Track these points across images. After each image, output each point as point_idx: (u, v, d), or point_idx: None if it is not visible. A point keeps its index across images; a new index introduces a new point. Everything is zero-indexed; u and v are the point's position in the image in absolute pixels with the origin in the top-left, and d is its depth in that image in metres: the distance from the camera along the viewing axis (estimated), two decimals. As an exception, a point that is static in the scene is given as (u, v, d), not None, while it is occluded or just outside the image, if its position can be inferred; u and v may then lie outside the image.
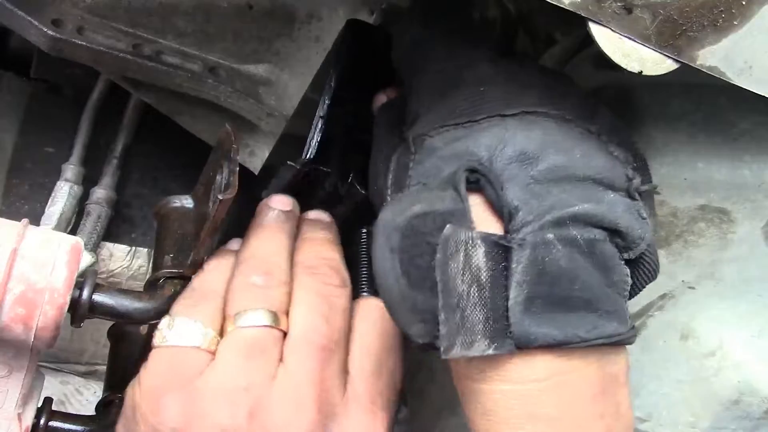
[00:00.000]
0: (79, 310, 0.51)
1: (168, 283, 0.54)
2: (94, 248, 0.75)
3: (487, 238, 0.43)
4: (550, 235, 0.43)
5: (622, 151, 0.47)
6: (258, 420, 0.47)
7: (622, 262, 0.46)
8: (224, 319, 0.51)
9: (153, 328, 0.53)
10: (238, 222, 0.60)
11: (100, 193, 0.76)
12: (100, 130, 0.78)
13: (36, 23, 0.57)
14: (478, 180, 0.45)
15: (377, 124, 0.59)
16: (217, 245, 0.59)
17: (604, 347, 0.44)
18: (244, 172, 0.69)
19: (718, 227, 0.59)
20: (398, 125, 0.55)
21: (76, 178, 0.76)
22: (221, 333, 0.50)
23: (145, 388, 0.49)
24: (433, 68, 0.53)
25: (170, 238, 0.58)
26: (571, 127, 0.47)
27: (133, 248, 0.77)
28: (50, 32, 0.57)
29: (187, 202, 0.59)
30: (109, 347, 0.65)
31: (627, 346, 0.47)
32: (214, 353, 0.49)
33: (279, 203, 0.58)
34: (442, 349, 0.43)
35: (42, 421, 0.55)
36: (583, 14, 0.42)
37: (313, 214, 0.60)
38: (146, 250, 0.78)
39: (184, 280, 0.55)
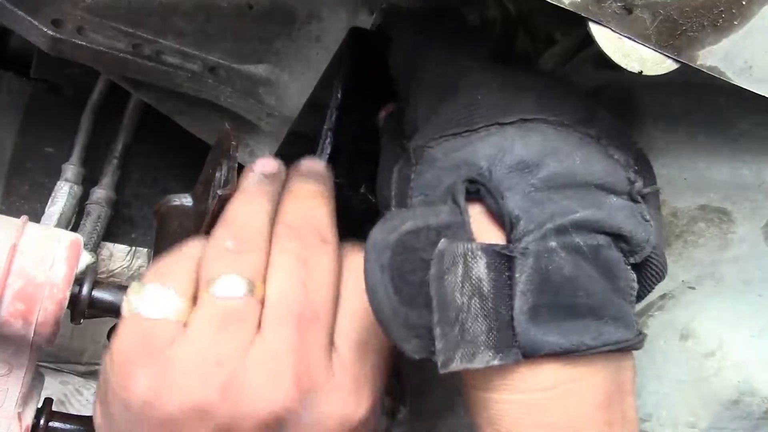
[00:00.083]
0: (78, 306, 0.51)
1: None
2: (94, 248, 0.75)
3: (488, 248, 0.43)
4: (553, 243, 0.43)
5: (623, 154, 0.47)
6: (231, 394, 0.45)
7: (628, 267, 0.45)
8: (197, 285, 0.48)
9: None
10: None
11: (100, 193, 0.76)
12: (100, 130, 0.78)
13: (36, 23, 0.57)
14: (478, 190, 0.45)
15: (382, 135, 0.59)
16: None
17: (610, 354, 0.44)
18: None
19: (718, 227, 0.59)
20: (400, 135, 0.54)
21: (76, 178, 0.76)
22: (195, 300, 0.47)
23: (115, 360, 0.46)
24: (430, 77, 0.52)
25: (170, 236, 0.58)
26: (569, 132, 0.46)
27: (133, 248, 0.77)
28: (50, 32, 0.57)
29: (186, 200, 0.59)
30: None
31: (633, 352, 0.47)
32: (186, 323, 0.46)
33: (261, 166, 0.54)
34: (439, 363, 0.42)
35: (42, 422, 0.54)
36: (583, 14, 0.42)
37: (306, 165, 0.56)
38: (146, 250, 0.78)
39: None
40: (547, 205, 0.44)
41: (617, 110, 0.51)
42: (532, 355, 0.43)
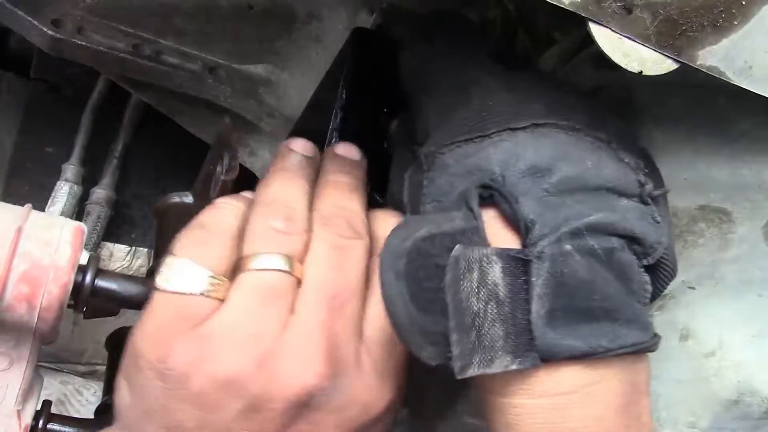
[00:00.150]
0: (82, 295, 0.51)
1: None
2: (94, 248, 0.75)
3: (503, 253, 0.43)
4: (568, 247, 0.43)
5: (633, 157, 0.47)
6: (266, 368, 0.46)
7: (642, 270, 0.45)
8: (236, 260, 0.48)
9: None
10: None
11: (100, 193, 0.76)
12: (100, 130, 0.78)
13: (36, 23, 0.57)
14: (491, 195, 0.45)
15: (394, 143, 0.59)
16: None
17: (627, 357, 0.44)
18: (245, 173, 0.69)
19: (718, 227, 0.59)
20: (411, 142, 0.54)
21: (76, 178, 0.76)
22: (229, 275, 0.48)
23: (149, 334, 0.47)
24: (440, 85, 0.52)
25: (170, 233, 0.58)
26: (580, 136, 0.46)
27: (133, 248, 0.77)
28: (50, 32, 0.57)
29: (186, 198, 0.59)
30: (108, 356, 0.66)
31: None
32: (220, 300, 0.47)
33: (302, 148, 0.55)
34: (456, 369, 0.42)
35: (41, 424, 0.54)
36: (583, 14, 0.42)
37: (341, 149, 0.57)
38: (146, 250, 0.78)
39: None
40: (561, 209, 0.44)
41: (617, 110, 0.51)
42: (550, 359, 0.43)
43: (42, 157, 0.77)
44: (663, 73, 0.43)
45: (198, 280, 0.47)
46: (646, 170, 0.48)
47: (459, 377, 0.42)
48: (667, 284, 0.48)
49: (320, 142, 0.60)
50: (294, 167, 0.54)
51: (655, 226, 0.46)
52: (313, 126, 0.63)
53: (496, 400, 0.45)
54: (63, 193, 0.74)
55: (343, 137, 0.61)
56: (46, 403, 0.56)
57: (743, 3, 0.42)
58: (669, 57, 0.43)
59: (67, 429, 0.56)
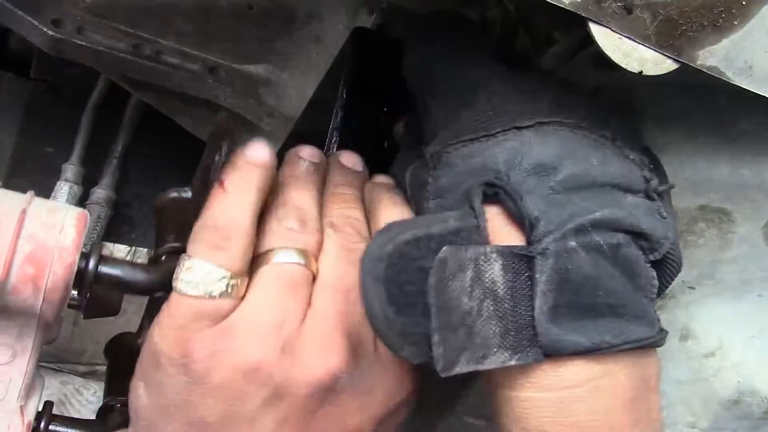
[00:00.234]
0: (85, 280, 0.51)
1: (171, 258, 0.54)
2: (94, 248, 0.75)
3: (504, 251, 0.43)
4: (573, 243, 0.43)
5: (637, 153, 0.48)
6: (288, 355, 0.47)
7: (648, 265, 0.46)
8: (253, 257, 0.49)
9: None
10: None
11: (100, 193, 0.76)
12: (100, 130, 0.78)
13: (36, 23, 0.57)
14: (496, 193, 0.45)
15: (401, 144, 0.60)
16: None
17: (634, 352, 0.44)
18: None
19: (718, 227, 0.59)
20: (417, 142, 0.55)
21: (76, 178, 0.76)
22: (246, 272, 0.49)
23: (169, 333, 0.47)
24: (445, 86, 0.53)
25: (170, 226, 0.58)
26: (585, 134, 0.47)
27: (133, 248, 0.77)
28: (50, 32, 0.57)
29: (185, 193, 0.59)
30: (108, 361, 0.66)
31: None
32: (239, 298, 0.48)
33: (309, 155, 0.57)
34: (439, 368, 0.43)
35: (42, 425, 0.54)
36: (583, 14, 0.42)
37: (346, 160, 0.59)
38: (146, 250, 0.78)
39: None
40: (567, 207, 0.44)
41: (617, 110, 0.51)
42: (554, 354, 0.43)
43: (42, 157, 0.77)
44: (663, 73, 0.43)
45: (217, 283, 0.47)
46: (651, 166, 0.48)
47: (443, 375, 0.43)
48: (673, 279, 0.48)
49: (321, 141, 0.60)
50: (303, 174, 0.55)
51: (662, 222, 0.46)
52: (313, 126, 0.63)
53: (505, 393, 0.45)
54: (63, 193, 0.74)
55: (343, 136, 0.61)
56: (48, 404, 0.56)
57: (743, 3, 0.42)
58: (669, 57, 0.43)
59: (69, 430, 0.56)
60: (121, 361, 0.61)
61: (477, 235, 0.44)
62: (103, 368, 0.69)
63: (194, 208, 0.58)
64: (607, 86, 0.56)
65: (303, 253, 0.50)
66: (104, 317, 0.61)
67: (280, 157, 0.64)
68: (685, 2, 0.41)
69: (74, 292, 0.52)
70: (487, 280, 0.43)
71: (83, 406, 0.90)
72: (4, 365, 0.52)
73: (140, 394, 0.50)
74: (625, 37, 0.42)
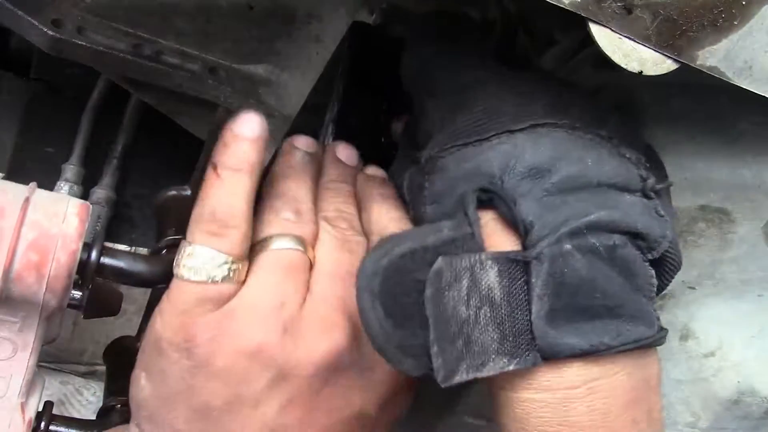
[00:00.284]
0: (87, 271, 0.51)
1: (172, 251, 0.54)
2: (94, 248, 0.75)
3: (499, 257, 0.44)
4: (568, 246, 0.43)
5: (635, 152, 0.48)
6: (291, 336, 0.48)
7: (647, 263, 0.46)
8: (252, 244, 0.51)
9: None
10: None
11: (100, 193, 0.76)
12: (100, 130, 0.78)
13: (36, 23, 0.57)
14: (491, 198, 0.45)
15: (400, 144, 0.60)
16: None
17: (633, 352, 0.45)
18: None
19: (718, 227, 0.59)
20: (413, 144, 0.56)
21: (76, 178, 0.76)
22: (245, 258, 0.50)
23: (172, 319, 0.48)
24: (441, 89, 0.53)
25: (170, 222, 0.58)
26: (580, 134, 0.47)
27: (133, 248, 0.77)
28: (50, 32, 0.57)
29: (184, 191, 0.60)
30: (107, 364, 0.66)
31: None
32: (240, 282, 0.49)
33: (304, 145, 0.58)
34: (439, 378, 0.43)
35: (42, 425, 0.54)
36: (583, 14, 0.42)
37: (342, 153, 0.60)
38: (146, 250, 0.78)
39: None
40: (562, 209, 0.44)
41: (616, 108, 0.51)
42: (552, 357, 0.43)
43: (42, 157, 0.77)
44: (663, 73, 0.44)
45: (219, 268, 0.48)
46: (648, 165, 0.48)
47: (444, 385, 0.43)
48: (673, 277, 0.48)
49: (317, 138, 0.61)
50: (298, 164, 0.56)
51: (659, 220, 0.46)
52: (309, 125, 0.63)
53: (504, 395, 0.46)
54: (63, 193, 0.74)
55: (340, 131, 0.62)
56: (48, 404, 0.56)
57: (743, 3, 0.42)
58: (669, 57, 0.43)
59: (69, 430, 0.56)
60: (120, 363, 0.61)
61: (472, 242, 0.44)
62: (103, 368, 0.69)
63: (194, 206, 0.58)
64: (607, 86, 0.56)
65: (300, 240, 0.51)
66: (104, 317, 0.61)
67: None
68: (685, 2, 0.41)
69: (75, 293, 0.53)
70: (483, 288, 0.43)
71: (83, 406, 0.90)
72: (5, 361, 0.52)
73: (142, 384, 0.50)
74: (625, 37, 0.42)
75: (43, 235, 0.49)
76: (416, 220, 0.52)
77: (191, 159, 0.66)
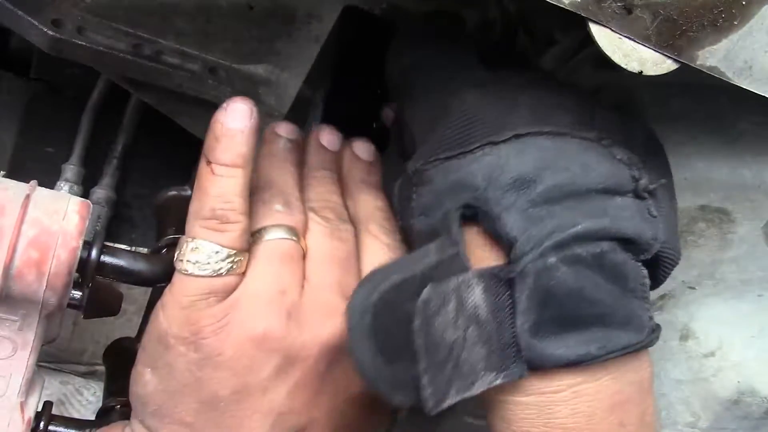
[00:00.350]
0: (88, 269, 0.51)
1: (172, 250, 0.55)
2: (94, 248, 0.75)
3: (484, 273, 0.44)
4: (553, 259, 0.43)
5: (627, 151, 0.47)
6: (294, 320, 0.49)
7: (638, 264, 0.45)
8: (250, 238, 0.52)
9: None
10: None
11: (100, 193, 0.76)
12: (100, 130, 0.78)
13: (36, 23, 0.57)
14: (475, 214, 0.45)
15: (390, 137, 0.60)
16: None
17: (621, 358, 0.44)
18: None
19: (718, 227, 0.59)
20: (401, 150, 0.56)
21: (76, 178, 0.76)
22: (247, 248, 0.51)
23: (178, 313, 0.49)
24: (423, 97, 0.53)
25: (170, 222, 0.58)
26: (566, 140, 0.46)
27: (133, 248, 0.77)
28: (50, 32, 0.57)
29: (184, 191, 0.60)
30: (106, 366, 0.66)
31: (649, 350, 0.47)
32: (242, 274, 0.50)
33: (286, 131, 0.58)
34: (429, 407, 0.43)
35: (42, 425, 0.54)
36: (583, 14, 0.42)
37: (325, 138, 0.60)
38: (146, 250, 0.78)
39: None
40: (547, 221, 0.44)
41: (606, 105, 0.51)
42: (538, 368, 0.43)
43: (42, 157, 0.77)
44: (663, 73, 0.43)
45: (224, 261, 0.49)
46: (645, 162, 0.47)
47: (432, 413, 0.43)
48: (670, 272, 0.48)
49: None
50: (281, 152, 0.57)
51: (651, 222, 0.46)
52: (300, 119, 0.63)
53: (492, 396, 0.46)
54: (63, 192, 0.74)
55: (328, 114, 0.62)
56: (48, 404, 0.56)
57: (743, 3, 0.42)
58: (669, 57, 0.43)
59: (69, 430, 0.56)
60: (120, 364, 0.61)
61: (458, 262, 0.44)
62: (103, 368, 0.69)
63: (191, 200, 0.58)
64: (607, 86, 0.56)
65: (292, 230, 0.52)
66: (104, 317, 0.61)
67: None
68: (685, 2, 0.41)
69: (75, 293, 0.53)
70: (469, 307, 0.43)
71: (83, 406, 0.90)
72: (5, 359, 0.52)
73: (147, 380, 0.50)
74: (625, 37, 0.42)
75: (43, 232, 0.49)
76: (405, 230, 0.52)
77: (191, 159, 0.66)
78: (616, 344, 0.44)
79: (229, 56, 0.63)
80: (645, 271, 0.46)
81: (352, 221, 0.56)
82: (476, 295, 0.43)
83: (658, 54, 0.43)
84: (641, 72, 0.43)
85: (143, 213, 0.79)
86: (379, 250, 0.54)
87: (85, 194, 0.76)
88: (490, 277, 0.44)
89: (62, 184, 0.75)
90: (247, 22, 0.61)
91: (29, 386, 0.53)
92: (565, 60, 0.57)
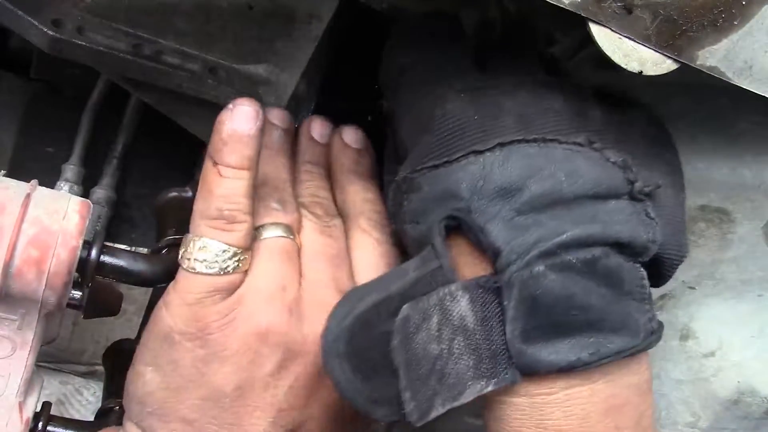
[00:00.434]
0: (88, 269, 0.51)
1: (173, 251, 0.55)
2: (94, 248, 0.75)
3: (469, 284, 0.44)
4: (540, 267, 0.43)
5: (621, 153, 0.46)
6: (296, 315, 0.50)
7: (636, 266, 0.45)
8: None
9: None
10: None
11: (100, 193, 0.76)
12: (100, 130, 0.78)
13: (36, 23, 0.57)
14: (460, 225, 0.45)
15: (386, 134, 0.60)
16: None
17: (615, 362, 0.44)
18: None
19: (718, 227, 0.59)
20: (393, 154, 0.57)
21: (76, 178, 0.76)
22: (250, 246, 0.52)
23: (183, 311, 0.50)
24: (411, 103, 0.53)
25: (170, 223, 0.59)
26: (553, 146, 0.45)
27: (133, 248, 0.77)
28: (50, 32, 0.57)
29: (185, 192, 0.60)
30: (106, 367, 0.66)
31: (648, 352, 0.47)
32: (245, 272, 0.51)
33: (279, 119, 0.59)
34: (413, 420, 0.44)
35: (40, 425, 0.54)
36: (583, 14, 0.42)
37: (316, 131, 0.60)
38: (146, 250, 0.78)
39: None
40: (532, 230, 0.43)
41: (602, 104, 0.51)
42: (531, 374, 0.44)
43: (42, 157, 0.77)
44: (663, 73, 0.43)
45: (230, 260, 0.50)
46: (637, 166, 0.46)
47: (417, 425, 0.44)
48: (674, 270, 0.47)
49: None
50: (275, 145, 0.58)
51: (647, 225, 0.45)
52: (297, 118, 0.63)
53: (486, 396, 0.46)
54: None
55: (324, 106, 0.62)
56: (47, 404, 0.56)
57: (743, 3, 0.42)
58: (669, 57, 0.43)
59: (67, 431, 0.56)
60: (120, 366, 0.61)
61: (440, 276, 0.44)
62: (103, 368, 0.69)
63: (197, 199, 0.58)
64: (607, 86, 0.56)
65: (289, 228, 0.53)
66: (104, 317, 0.61)
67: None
68: (685, 2, 0.41)
69: (75, 293, 0.53)
70: (455, 318, 0.43)
71: (83, 406, 0.90)
72: (4, 359, 0.52)
73: (148, 379, 0.50)
74: (625, 37, 0.42)
75: (43, 231, 0.49)
76: (399, 234, 0.52)
77: (191, 159, 0.66)
78: (609, 349, 0.44)
79: (229, 56, 0.63)
80: (643, 273, 0.45)
81: (343, 215, 0.57)
82: (462, 306, 0.43)
83: (658, 54, 0.43)
84: (641, 72, 0.43)
85: (143, 213, 0.79)
86: (369, 245, 0.55)
87: (85, 194, 0.76)
88: (475, 287, 0.44)
89: (62, 184, 0.74)
90: (247, 22, 0.61)
91: (28, 386, 0.53)
92: (565, 60, 0.57)
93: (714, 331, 0.63)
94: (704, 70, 0.44)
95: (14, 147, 0.76)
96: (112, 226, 0.77)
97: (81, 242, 0.51)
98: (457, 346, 0.43)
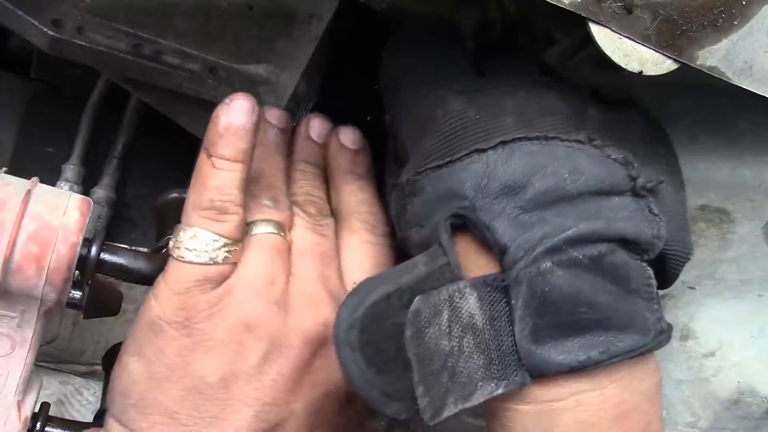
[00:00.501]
0: (87, 266, 0.51)
1: None
2: (94, 248, 0.75)
3: (477, 282, 0.44)
4: (547, 264, 0.43)
5: (622, 150, 0.46)
6: (282, 309, 0.50)
7: (642, 264, 0.45)
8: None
9: None
10: None
11: (100, 193, 0.76)
12: (100, 130, 0.78)
13: (36, 23, 0.57)
14: (465, 222, 0.45)
15: (388, 136, 0.60)
16: None
17: (626, 363, 0.44)
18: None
19: (718, 227, 0.59)
20: (395, 153, 0.57)
21: (76, 178, 0.76)
22: (242, 238, 0.52)
23: (170, 299, 0.50)
24: (411, 106, 0.53)
25: (170, 223, 0.58)
26: (555, 144, 0.46)
27: (133, 248, 0.77)
28: (50, 32, 0.57)
29: (185, 194, 0.60)
30: (105, 370, 0.66)
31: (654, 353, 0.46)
32: (235, 263, 0.51)
33: (277, 119, 0.60)
34: (426, 417, 0.43)
35: (38, 426, 0.54)
36: (583, 14, 0.42)
37: (314, 131, 0.61)
38: (146, 250, 0.78)
39: None
40: (537, 227, 0.43)
41: (600, 103, 0.51)
42: (540, 375, 0.43)
43: (42, 157, 0.77)
44: (663, 73, 0.43)
45: (220, 250, 0.50)
46: (638, 162, 0.46)
47: (430, 423, 0.43)
48: (680, 269, 0.47)
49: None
50: (271, 143, 0.58)
51: (651, 221, 0.45)
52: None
53: (492, 403, 0.45)
54: (63, 192, 0.74)
55: (323, 105, 0.62)
56: (45, 405, 0.56)
57: (743, 3, 0.42)
58: (669, 57, 0.43)
59: None
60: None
61: (448, 272, 0.44)
62: (103, 370, 0.69)
63: (190, 190, 0.58)
64: (607, 86, 0.56)
65: (280, 225, 0.53)
66: (104, 317, 0.61)
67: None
68: (685, 2, 0.41)
69: (75, 292, 0.52)
70: (464, 316, 0.43)
71: (83, 406, 0.90)
72: (3, 357, 0.52)
73: (131, 369, 0.50)
74: (625, 37, 0.42)
75: (43, 227, 0.50)
76: (402, 240, 0.52)
77: (191, 159, 0.66)
78: (620, 348, 0.43)
79: (229, 56, 0.63)
80: (650, 271, 0.45)
81: (336, 215, 0.57)
82: (471, 304, 0.43)
83: (658, 54, 0.43)
84: (641, 72, 0.43)
85: (143, 213, 0.79)
86: (359, 246, 0.55)
87: (85, 194, 0.76)
88: (483, 285, 0.43)
89: (62, 184, 0.74)
90: (247, 22, 0.61)
91: (27, 385, 0.53)
92: (565, 60, 0.57)
93: (714, 331, 0.63)
94: (704, 70, 0.44)
95: (14, 147, 0.76)
96: (112, 226, 0.77)
97: (81, 239, 0.51)
98: (467, 344, 0.43)
